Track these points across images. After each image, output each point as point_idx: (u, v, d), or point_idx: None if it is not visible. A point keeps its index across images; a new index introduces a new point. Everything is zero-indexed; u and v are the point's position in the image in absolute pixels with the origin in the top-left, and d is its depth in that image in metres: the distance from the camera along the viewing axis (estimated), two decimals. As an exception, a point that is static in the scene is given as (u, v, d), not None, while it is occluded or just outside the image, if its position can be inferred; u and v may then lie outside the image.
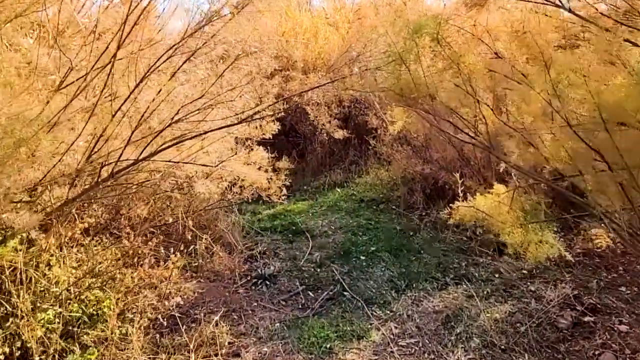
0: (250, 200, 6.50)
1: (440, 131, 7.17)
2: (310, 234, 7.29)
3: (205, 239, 6.45)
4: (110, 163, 3.77)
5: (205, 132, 4.03)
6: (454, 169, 7.25)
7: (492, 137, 6.22)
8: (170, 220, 6.06)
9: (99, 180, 3.81)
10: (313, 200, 8.87)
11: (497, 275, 5.74)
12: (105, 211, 5.12)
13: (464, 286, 5.54)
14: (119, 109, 3.61)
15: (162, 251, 5.32)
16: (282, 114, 5.27)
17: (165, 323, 4.61)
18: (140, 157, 3.81)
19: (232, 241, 6.80)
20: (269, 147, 5.82)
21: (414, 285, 5.66)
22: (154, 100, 3.77)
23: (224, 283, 6.04)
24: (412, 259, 6.38)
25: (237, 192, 6.01)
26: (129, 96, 3.61)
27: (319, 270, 6.27)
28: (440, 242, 6.65)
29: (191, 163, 4.07)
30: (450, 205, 5.24)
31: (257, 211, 8.35)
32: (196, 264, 6.34)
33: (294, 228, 7.53)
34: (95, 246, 4.71)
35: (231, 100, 4.10)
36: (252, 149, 5.29)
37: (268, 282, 5.93)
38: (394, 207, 7.80)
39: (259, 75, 4.60)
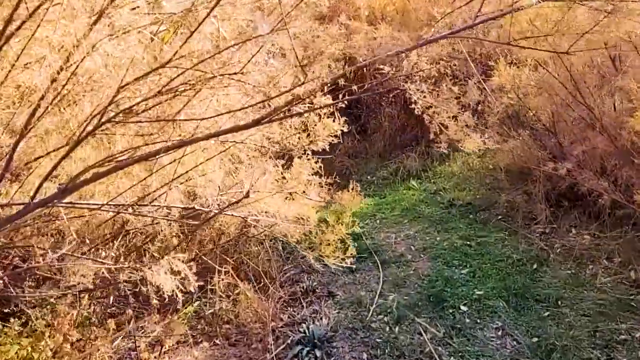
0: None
1: (584, 106, 4.68)
2: (379, 257, 5.04)
3: (226, 271, 4.33)
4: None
5: (184, 143, 1.83)
6: (603, 169, 4.76)
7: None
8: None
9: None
10: (380, 198, 6.57)
11: None
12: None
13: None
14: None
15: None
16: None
17: None
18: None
19: (266, 270, 4.65)
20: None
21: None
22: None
23: (250, 348, 3.93)
24: (545, 314, 4.04)
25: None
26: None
27: (396, 329, 4.05)
28: (587, 286, 4.24)
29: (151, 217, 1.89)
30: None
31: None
32: (211, 310, 4.25)
33: (355, 244, 5.27)
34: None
35: (241, 72, 1.89)
36: (290, 161, 3.07)
37: (318, 353, 3.77)
38: (501, 217, 5.39)
39: (301, 15, 2.31)
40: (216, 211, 2.81)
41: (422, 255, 4.99)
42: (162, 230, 3.07)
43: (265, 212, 2.76)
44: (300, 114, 2.47)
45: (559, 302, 4.12)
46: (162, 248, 3.41)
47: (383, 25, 6.75)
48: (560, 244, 4.73)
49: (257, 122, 2.29)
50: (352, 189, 3.42)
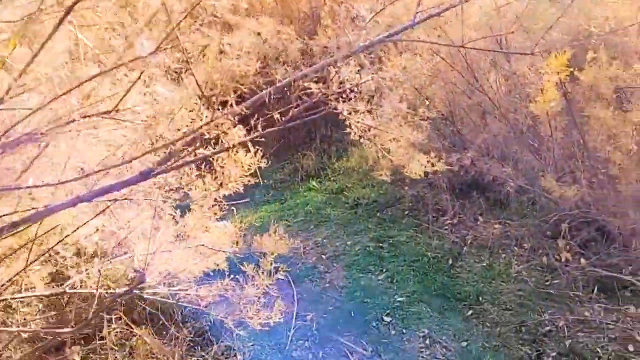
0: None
1: (480, 93, 4.61)
2: (290, 272, 4.62)
3: (117, 317, 3.67)
4: None
5: (37, 217, 1.28)
6: (504, 155, 4.73)
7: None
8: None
9: None
10: (280, 203, 6.14)
11: (632, 349, 3.36)
12: None
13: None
14: None
15: None
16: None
17: None
18: None
19: (164, 307, 4.04)
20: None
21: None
22: None
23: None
24: (469, 314, 3.89)
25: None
26: None
27: (320, 354, 3.68)
28: (504, 277, 4.17)
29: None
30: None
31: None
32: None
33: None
34: None
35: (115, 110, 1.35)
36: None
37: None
38: (408, 213, 5.21)
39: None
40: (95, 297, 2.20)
41: (335, 264, 4.66)
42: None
43: (164, 277, 2.20)
44: (205, 158, 1.97)
45: (480, 298, 4.00)
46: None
47: (265, 19, 6.27)
48: (472, 236, 4.64)
49: (145, 176, 1.76)
50: (275, 232, 2.94)
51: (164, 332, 3.85)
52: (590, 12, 4.00)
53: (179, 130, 1.90)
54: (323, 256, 4.81)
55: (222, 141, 2.05)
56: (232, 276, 2.73)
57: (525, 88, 4.41)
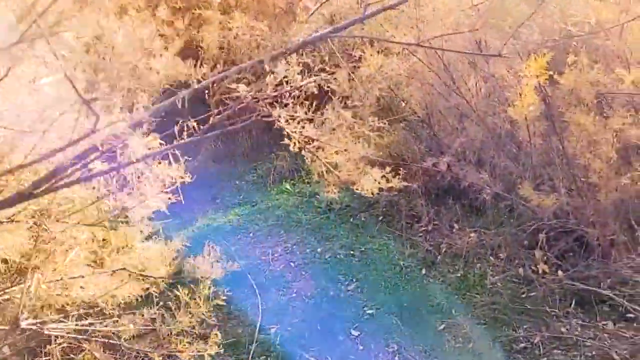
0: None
1: (458, 95, 4.42)
2: (256, 280, 4.39)
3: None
4: None
5: None
6: (481, 161, 4.55)
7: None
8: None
9: None
10: (251, 206, 5.89)
11: (609, 369, 3.19)
12: None
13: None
14: None
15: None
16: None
17: None
18: None
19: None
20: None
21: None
22: None
23: None
24: (441, 328, 3.70)
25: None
26: None
27: (283, 370, 3.46)
28: (478, 289, 3.98)
29: None
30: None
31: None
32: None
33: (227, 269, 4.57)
34: None
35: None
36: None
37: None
38: (382, 219, 5.00)
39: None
40: None
41: (303, 273, 4.43)
42: None
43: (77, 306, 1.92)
44: (106, 172, 1.72)
45: (453, 311, 3.81)
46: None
47: (238, 14, 6.03)
48: (446, 244, 4.45)
49: (23, 197, 1.50)
50: (209, 254, 2.68)
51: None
52: (571, 13, 3.83)
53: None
54: (292, 264, 4.59)
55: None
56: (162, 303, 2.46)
57: (504, 91, 4.23)
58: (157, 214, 5.64)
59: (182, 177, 2.17)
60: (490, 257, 4.24)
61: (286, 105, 2.23)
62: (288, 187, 6.05)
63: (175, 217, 5.63)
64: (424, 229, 4.73)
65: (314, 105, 2.40)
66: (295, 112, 2.20)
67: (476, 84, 4.33)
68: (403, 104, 5.06)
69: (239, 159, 7.04)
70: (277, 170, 6.53)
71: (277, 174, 6.46)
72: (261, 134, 7.32)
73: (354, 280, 4.21)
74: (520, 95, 3.66)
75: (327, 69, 3.03)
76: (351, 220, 5.09)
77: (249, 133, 7.36)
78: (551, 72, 3.54)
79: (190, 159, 6.56)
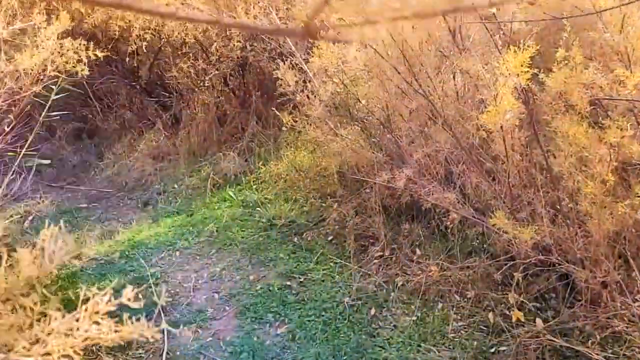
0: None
1: (422, 96, 3.61)
2: (170, 315, 3.57)
3: None
4: None
5: None
6: (448, 176, 3.75)
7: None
8: None
9: None
10: (187, 215, 5.05)
11: None
12: None
13: None
14: None
15: None
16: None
17: None
18: None
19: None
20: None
21: None
22: None
23: None
24: (387, 392, 2.91)
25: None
26: None
27: None
28: (438, 338, 3.19)
29: None
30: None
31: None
32: None
33: (137, 291, 3.73)
34: None
35: None
36: None
37: None
38: (331, 239, 4.19)
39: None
40: None
41: (227, 307, 3.61)
42: None
43: None
44: None
45: (405, 369, 3.03)
46: None
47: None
48: (404, 277, 3.65)
49: None
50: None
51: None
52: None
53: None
54: (216, 295, 3.76)
55: None
56: None
57: (479, 92, 3.44)
58: (73, 225, 4.72)
59: None
60: (455, 296, 3.45)
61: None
62: (231, 194, 5.22)
63: (95, 228, 4.78)
64: (379, 254, 3.92)
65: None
66: None
67: (444, 82, 3.52)
68: (361, 103, 4.24)
69: (182, 158, 6.18)
70: (222, 172, 5.69)
71: (222, 176, 5.63)
72: (210, 129, 6.49)
73: (286, 321, 3.40)
74: (495, 98, 2.87)
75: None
76: (295, 239, 4.27)
77: (196, 128, 6.52)
78: (536, 70, 2.78)
79: (124, 155, 5.57)
